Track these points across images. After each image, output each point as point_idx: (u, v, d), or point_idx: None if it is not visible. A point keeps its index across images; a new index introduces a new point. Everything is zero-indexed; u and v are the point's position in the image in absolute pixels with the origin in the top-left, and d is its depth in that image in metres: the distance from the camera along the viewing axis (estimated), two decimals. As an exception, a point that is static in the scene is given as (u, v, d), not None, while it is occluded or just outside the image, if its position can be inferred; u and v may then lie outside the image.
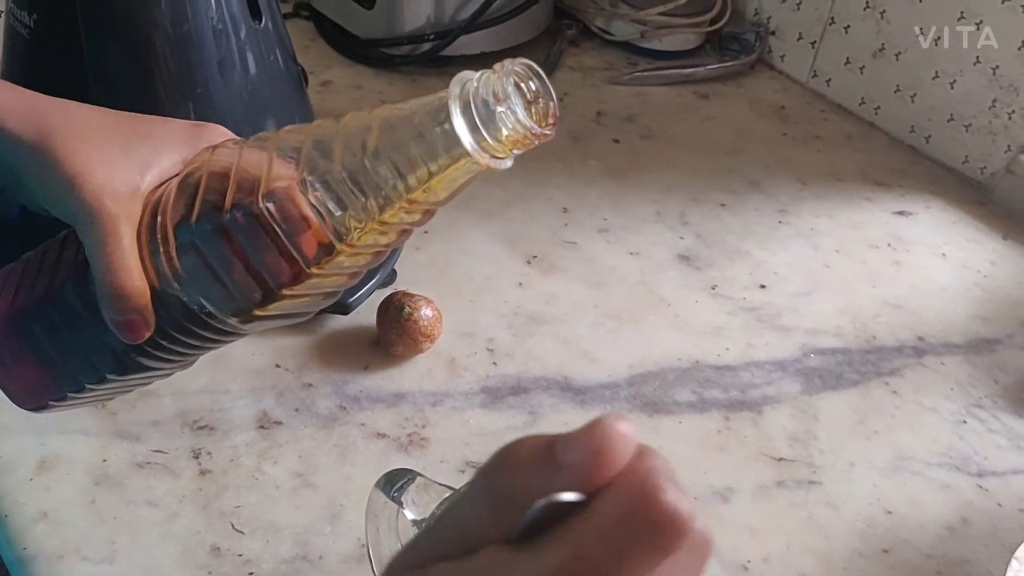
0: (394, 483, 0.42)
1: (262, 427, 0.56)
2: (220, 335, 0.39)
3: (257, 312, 0.37)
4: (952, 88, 0.82)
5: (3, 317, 0.41)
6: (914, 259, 0.74)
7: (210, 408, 0.57)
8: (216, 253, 0.35)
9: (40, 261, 0.41)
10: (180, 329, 0.38)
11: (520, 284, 0.68)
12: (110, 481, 0.52)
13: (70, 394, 0.42)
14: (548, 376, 0.61)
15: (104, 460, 0.53)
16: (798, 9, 0.91)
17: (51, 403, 0.43)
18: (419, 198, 0.35)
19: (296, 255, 0.35)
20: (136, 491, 0.52)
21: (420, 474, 0.43)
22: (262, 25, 0.58)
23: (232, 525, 0.51)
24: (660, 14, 0.91)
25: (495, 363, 0.62)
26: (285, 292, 0.36)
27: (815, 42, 0.91)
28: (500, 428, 0.57)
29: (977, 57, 0.79)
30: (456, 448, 0.56)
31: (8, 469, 0.52)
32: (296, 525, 0.51)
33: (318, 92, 0.84)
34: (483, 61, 0.88)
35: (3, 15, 0.56)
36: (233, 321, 0.37)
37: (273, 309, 0.37)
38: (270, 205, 0.35)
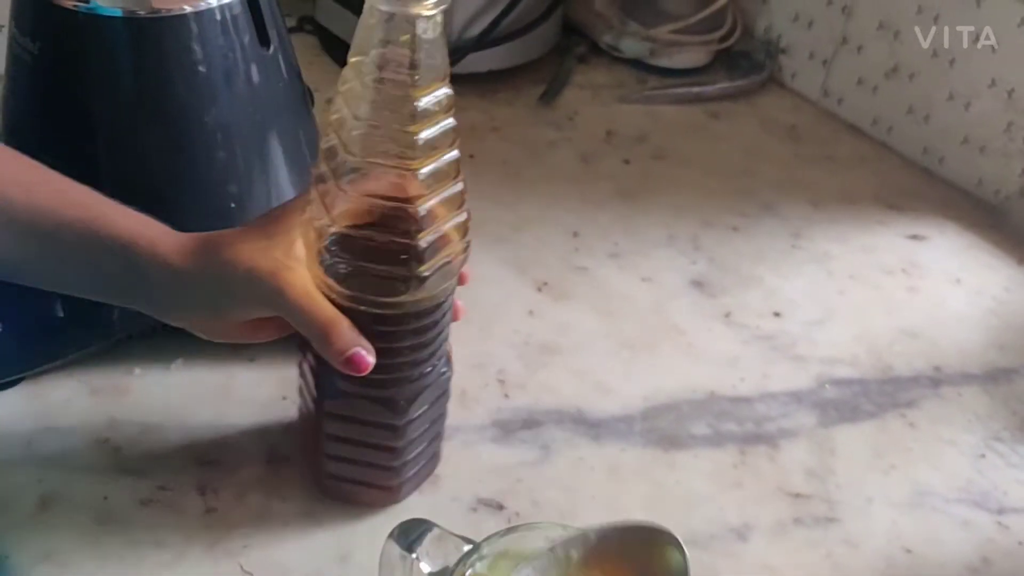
0: (409, 534, 0.41)
1: (269, 462, 0.55)
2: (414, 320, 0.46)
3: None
4: (966, 110, 0.81)
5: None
6: (929, 285, 0.73)
7: (216, 442, 0.56)
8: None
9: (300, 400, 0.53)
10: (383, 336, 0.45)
11: (531, 312, 0.67)
12: (114, 519, 0.51)
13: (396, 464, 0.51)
14: (561, 409, 0.60)
15: (105, 497, 0.52)
16: (809, 28, 0.90)
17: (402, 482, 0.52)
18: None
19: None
20: (141, 530, 0.51)
21: (436, 524, 0.42)
22: (271, 51, 0.56)
23: (241, 566, 0.50)
24: (671, 32, 0.89)
25: (507, 395, 0.60)
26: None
27: (827, 61, 0.90)
28: (512, 464, 0.56)
29: (992, 79, 0.78)
30: (468, 485, 0.55)
31: (8, 506, 0.51)
32: (305, 567, 0.50)
33: (324, 110, 0.82)
34: (492, 79, 0.87)
35: (7, 39, 0.55)
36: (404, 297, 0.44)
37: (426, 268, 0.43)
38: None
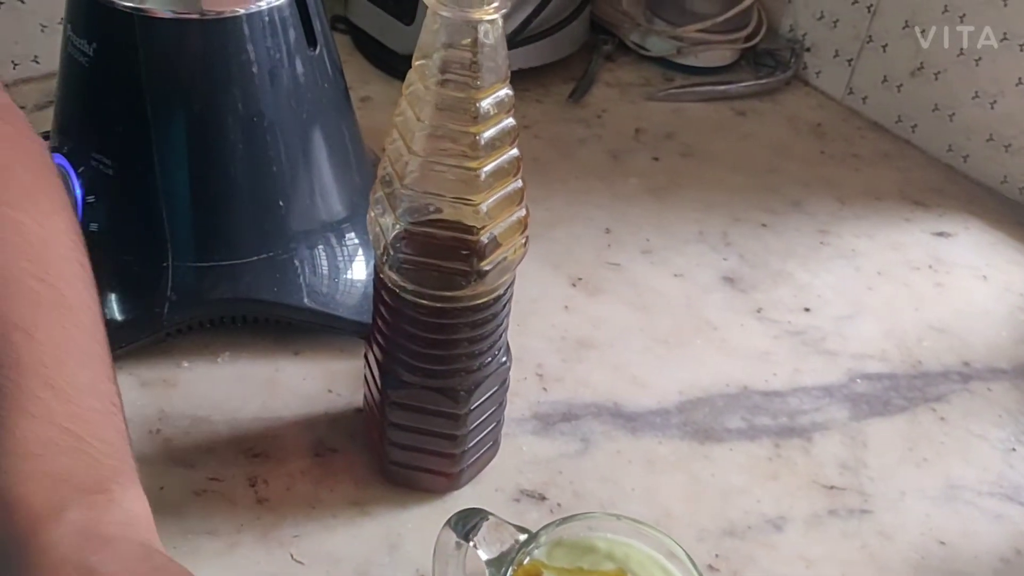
0: (466, 523, 0.42)
1: (317, 454, 0.56)
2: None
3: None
4: (992, 108, 0.82)
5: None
6: (955, 281, 0.74)
7: (264, 435, 0.57)
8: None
9: None
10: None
11: (566, 307, 0.68)
12: (168, 509, 0.52)
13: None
14: (598, 402, 0.61)
15: (161, 488, 0.53)
16: (835, 27, 0.91)
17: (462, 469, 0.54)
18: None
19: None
20: (194, 520, 0.52)
21: (492, 513, 0.43)
22: (317, 52, 0.58)
23: (291, 556, 0.51)
24: (697, 31, 0.90)
25: (545, 388, 0.62)
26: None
27: (852, 60, 0.90)
28: (553, 456, 0.58)
29: (1019, 78, 0.79)
30: (510, 476, 0.56)
31: (67, 497, 0.52)
32: (355, 556, 0.51)
33: (358, 108, 0.83)
34: (521, 78, 0.88)
35: (62, 40, 0.56)
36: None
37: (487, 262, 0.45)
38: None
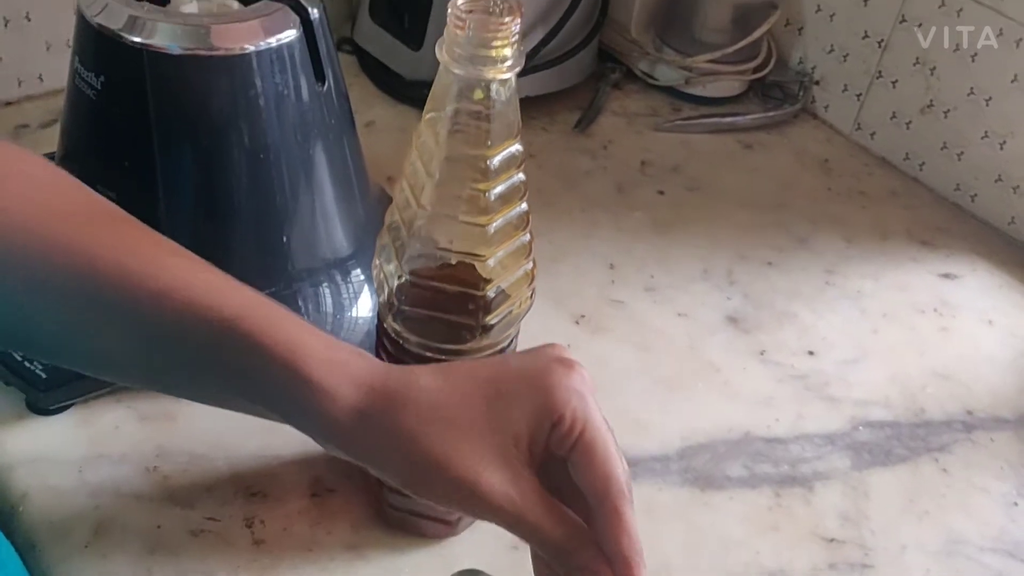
0: (465, 585, 0.42)
1: (315, 494, 0.56)
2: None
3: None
4: (1001, 149, 0.81)
5: None
6: (961, 325, 0.74)
7: (262, 473, 0.57)
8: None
9: None
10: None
11: (569, 346, 0.66)
12: (165, 549, 0.52)
13: None
14: (600, 446, 0.61)
15: (158, 527, 0.53)
16: (844, 60, 0.90)
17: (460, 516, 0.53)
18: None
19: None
20: (191, 561, 0.52)
21: (489, 575, 0.42)
22: (325, 87, 0.57)
23: (288, 601, 0.51)
24: (706, 61, 0.90)
25: (546, 431, 0.61)
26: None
27: (861, 95, 0.90)
28: (553, 501, 0.57)
29: (1029, 121, 0.79)
30: (509, 522, 0.56)
31: (64, 534, 0.52)
32: (352, 602, 0.51)
33: (362, 133, 0.82)
34: (528, 105, 0.87)
35: (69, 72, 0.56)
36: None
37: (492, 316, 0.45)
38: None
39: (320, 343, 0.38)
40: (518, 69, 0.40)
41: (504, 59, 0.40)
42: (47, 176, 0.43)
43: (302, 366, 0.37)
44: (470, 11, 0.39)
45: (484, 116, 0.41)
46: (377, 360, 0.40)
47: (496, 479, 0.37)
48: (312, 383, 0.37)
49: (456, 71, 0.40)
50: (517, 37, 0.40)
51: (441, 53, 0.40)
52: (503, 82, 0.40)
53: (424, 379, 0.38)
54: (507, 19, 0.39)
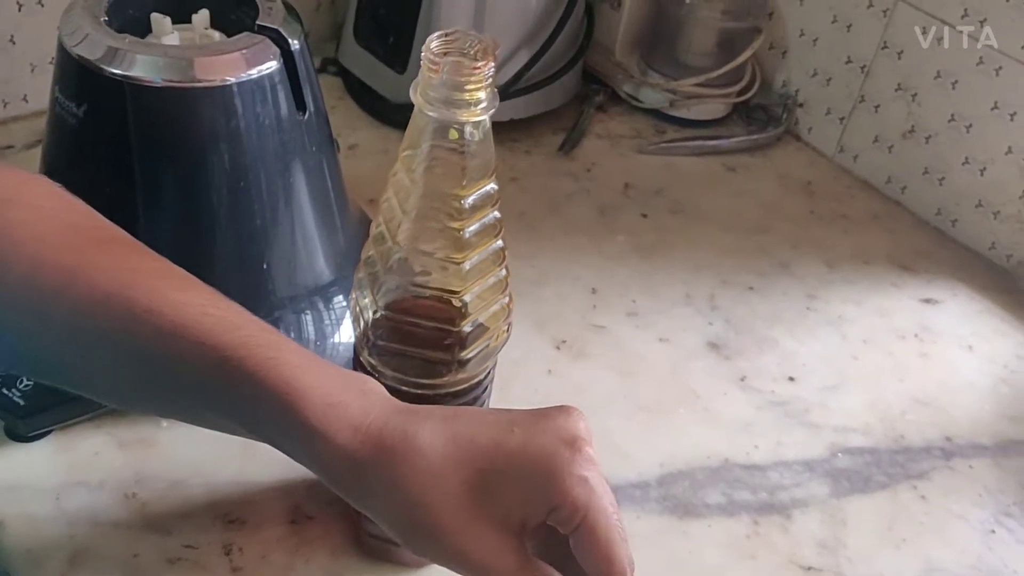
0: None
1: (293, 521, 0.56)
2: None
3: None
4: (982, 175, 0.82)
5: None
6: (941, 351, 0.74)
7: (241, 500, 0.57)
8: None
9: None
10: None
11: (550, 371, 0.68)
12: (142, 578, 0.52)
13: None
14: (579, 474, 0.61)
15: (135, 555, 0.53)
16: (828, 84, 0.91)
17: None
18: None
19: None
20: (168, 590, 0.52)
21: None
22: (306, 117, 0.58)
23: (264, 630, 0.51)
24: (691, 85, 0.91)
25: (526, 457, 0.61)
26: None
27: (843, 118, 0.91)
28: (531, 529, 0.57)
29: (1009, 147, 0.79)
30: (488, 551, 0.56)
31: (40, 563, 0.52)
32: (329, 632, 0.51)
33: (345, 157, 0.83)
34: (512, 128, 0.88)
35: (49, 100, 0.56)
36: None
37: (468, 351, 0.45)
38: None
39: (322, 383, 0.39)
40: (492, 111, 0.41)
41: (478, 102, 0.40)
42: (54, 203, 0.43)
43: (300, 409, 0.38)
44: (444, 54, 0.39)
45: (458, 156, 0.41)
46: (380, 400, 0.40)
47: (483, 548, 0.38)
48: (309, 426, 0.38)
49: (430, 113, 0.40)
50: (491, 80, 0.40)
51: (415, 95, 0.40)
52: (476, 124, 0.41)
53: (423, 437, 0.38)
54: (481, 63, 0.39)
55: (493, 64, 0.40)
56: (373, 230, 0.45)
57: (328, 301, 0.61)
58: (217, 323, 0.39)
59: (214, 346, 0.39)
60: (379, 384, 0.41)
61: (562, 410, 0.40)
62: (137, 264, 0.41)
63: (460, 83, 0.39)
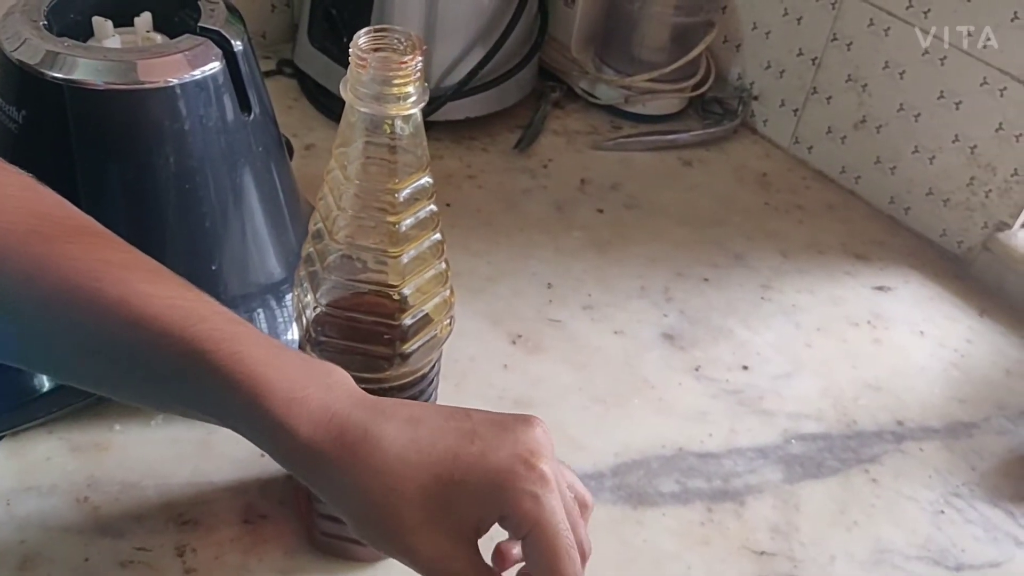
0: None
1: (247, 521, 0.56)
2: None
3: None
4: (931, 164, 0.83)
5: None
6: (893, 337, 0.75)
7: (194, 500, 0.57)
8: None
9: None
10: None
11: (505, 366, 0.68)
12: (94, 582, 0.52)
13: None
14: (533, 466, 0.61)
15: (86, 559, 0.53)
16: (780, 77, 0.92)
17: None
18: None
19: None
20: (120, 593, 0.52)
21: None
22: (251, 117, 0.58)
23: (217, 630, 0.51)
24: (646, 80, 0.91)
25: (480, 452, 0.62)
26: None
27: (797, 110, 0.92)
28: (486, 522, 0.58)
29: (956, 135, 0.80)
30: (442, 544, 0.56)
31: (-10, 568, 0.52)
32: (282, 630, 0.51)
33: (301, 156, 0.84)
34: (468, 126, 0.88)
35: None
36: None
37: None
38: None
39: (286, 377, 0.39)
40: (422, 105, 0.41)
41: (407, 96, 0.40)
42: (24, 192, 0.43)
43: (263, 404, 0.39)
44: (373, 50, 0.40)
45: (390, 151, 0.41)
46: (344, 393, 0.40)
47: (434, 551, 0.39)
48: (272, 420, 0.39)
49: (361, 109, 0.40)
50: (419, 74, 0.40)
51: (346, 92, 0.41)
52: (407, 118, 0.41)
53: (385, 439, 0.39)
54: (408, 58, 0.40)
55: (421, 59, 0.40)
56: (311, 227, 0.46)
57: (280, 298, 0.61)
58: (184, 316, 0.39)
59: (180, 339, 0.39)
60: (345, 374, 0.41)
61: (522, 421, 0.40)
62: (106, 255, 0.41)
63: (388, 78, 0.39)
